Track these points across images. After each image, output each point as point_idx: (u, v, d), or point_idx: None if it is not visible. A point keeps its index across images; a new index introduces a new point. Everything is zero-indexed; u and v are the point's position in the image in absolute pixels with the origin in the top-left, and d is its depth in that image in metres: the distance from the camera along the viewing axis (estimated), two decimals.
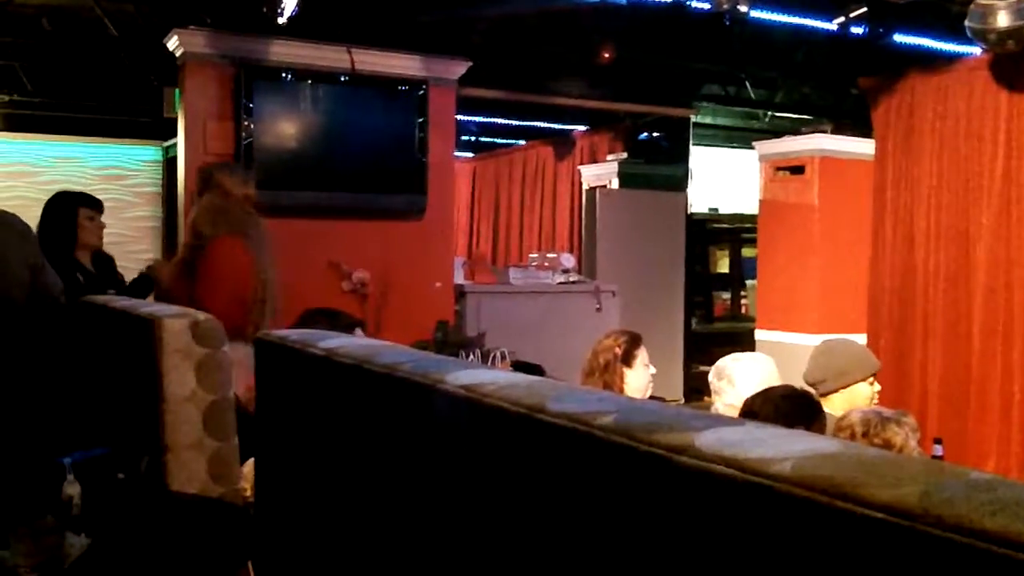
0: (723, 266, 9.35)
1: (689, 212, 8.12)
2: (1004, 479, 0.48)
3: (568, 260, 6.91)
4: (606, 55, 6.11)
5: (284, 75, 5.25)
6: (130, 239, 8.25)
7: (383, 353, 0.99)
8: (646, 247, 7.63)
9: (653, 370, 3.45)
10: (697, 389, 7.04)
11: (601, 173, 8.51)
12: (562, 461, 0.69)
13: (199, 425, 1.81)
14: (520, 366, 4.22)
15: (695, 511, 0.57)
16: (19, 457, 2.06)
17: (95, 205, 3.99)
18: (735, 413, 2.73)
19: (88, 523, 1.83)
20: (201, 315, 1.86)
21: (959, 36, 5.23)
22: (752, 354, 3.68)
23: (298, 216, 5.29)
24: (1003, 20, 4.68)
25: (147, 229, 8.74)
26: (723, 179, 8.87)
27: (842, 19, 5.50)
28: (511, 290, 6.24)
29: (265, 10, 4.78)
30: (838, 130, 6.65)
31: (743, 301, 8.98)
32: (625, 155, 8.30)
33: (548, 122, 9.10)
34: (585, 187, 8.64)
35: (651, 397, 3.39)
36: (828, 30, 5.76)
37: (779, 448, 0.55)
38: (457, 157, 6.93)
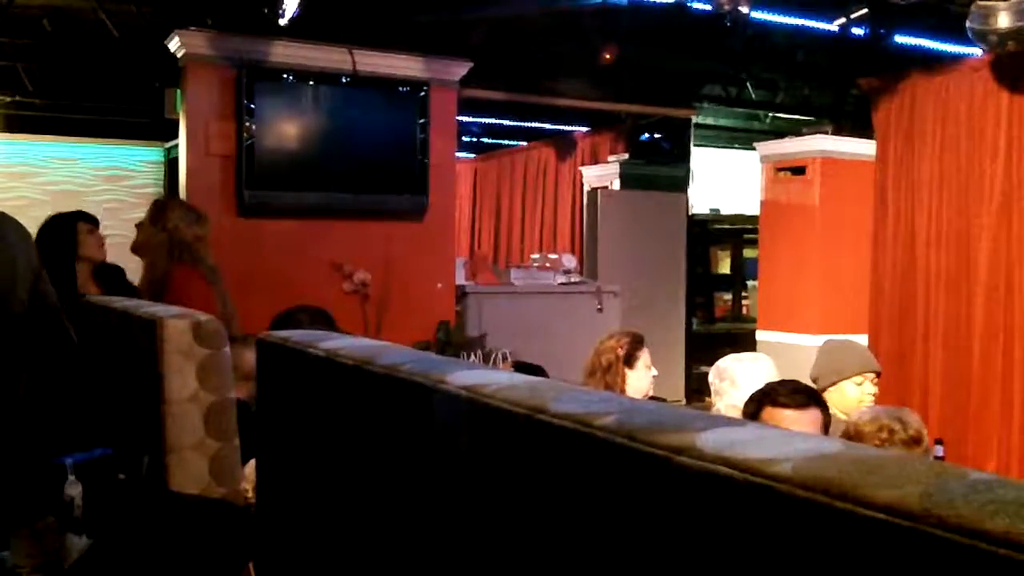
0: (724, 267, 9.35)
1: (690, 213, 8.12)
2: (1005, 479, 0.48)
3: (570, 261, 6.92)
4: (607, 56, 6.11)
5: (285, 76, 5.25)
6: (130, 240, 8.23)
7: (384, 354, 0.99)
8: (647, 248, 7.62)
9: (655, 372, 3.45)
10: (698, 390, 7.03)
11: (602, 174, 8.51)
12: (564, 462, 0.69)
13: (200, 426, 1.81)
14: (521, 367, 4.21)
15: (696, 512, 0.57)
16: (20, 458, 2.06)
17: (92, 221, 4.01)
18: (736, 414, 2.73)
19: (89, 524, 1.83)
20: (203, 316, 1.86)
21: (960, 37, 5.22)
22: (753, 354, 3.68)
23: (299, 217, 5.31)
24: (1004, 21, 4.69)
25: None
26: (724, 180, 8.86)
27: (843, 20, 5.51)
28: (513, 291, 6.24)
29: (266, 11, 4.78)
30: (839, 131, 6.65)
31: (744, 302, 8.98)
32: (626, 156, 8.31)
33: (549, 123, 9.10)
34: (586, 188, 8.64)
35: (651, 398, 3.38)
36: (829, 31, 5.76)
37: (780, 448, 0.55)
38: (458, 158, 6.93)
